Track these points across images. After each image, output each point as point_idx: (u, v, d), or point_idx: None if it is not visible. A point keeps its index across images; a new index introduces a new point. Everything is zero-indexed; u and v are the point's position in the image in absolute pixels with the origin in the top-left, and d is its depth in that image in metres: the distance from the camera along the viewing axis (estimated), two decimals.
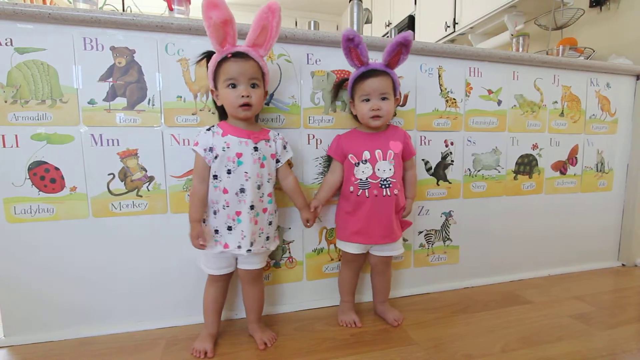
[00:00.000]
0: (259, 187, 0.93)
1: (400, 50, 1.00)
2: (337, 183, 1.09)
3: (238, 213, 0.91)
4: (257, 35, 0.89)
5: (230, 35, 0.87)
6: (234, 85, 0.88)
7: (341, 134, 1.11)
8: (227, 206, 0.91)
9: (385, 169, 1.04)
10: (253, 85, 0.90)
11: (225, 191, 0.90)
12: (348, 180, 1.06)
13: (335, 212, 1.15)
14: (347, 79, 1.13)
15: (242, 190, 0.90)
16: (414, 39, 1.01)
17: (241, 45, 0.89)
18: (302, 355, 0.95)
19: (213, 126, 0.93)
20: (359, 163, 1.04)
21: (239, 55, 0.88)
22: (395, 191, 1.05)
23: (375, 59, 1.16)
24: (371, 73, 1.00)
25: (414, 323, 1.11)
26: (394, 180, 1.05)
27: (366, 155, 1.03)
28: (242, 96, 0.87)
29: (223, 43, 0.87)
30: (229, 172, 0.90)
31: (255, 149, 0.92)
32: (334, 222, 1.17)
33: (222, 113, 0.97)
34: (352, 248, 1.07)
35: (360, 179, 1.03)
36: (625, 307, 1.23)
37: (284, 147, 0.99)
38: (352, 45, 0.97)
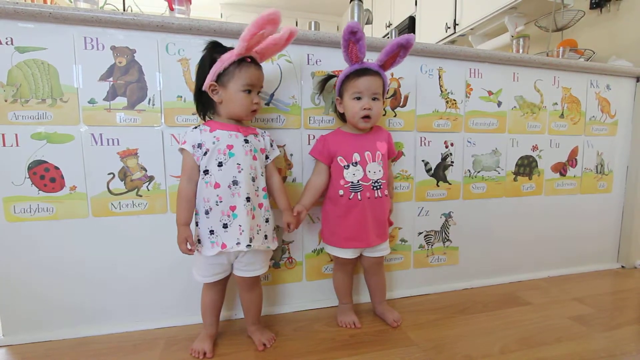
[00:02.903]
0: (253, 180, 0.91)
1: (399, 52, 0.99)
2: (323, 186, 1.06)
3: (233, 208, 0.88)
4: (268, 50, 0.92)
5: (257, 46, 0.90)
6: (249, 91, 0.89)
7: (325, 134, 1.08)
8: (220, 202, 0.88)
9: (376, 171, 1.03)
10: (258, 92, 0.93)
11: (216, 185, 0.88)
12: (336, 183, 1.03)
13: (321, 217, 1.12)
14: (334, 75, 1.11)
15: (235, 183, 0.88)
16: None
17: (254, 52, 0.91)
18: (301, 355, 0.95)
19: (200, 124, 0.92)
20: (348, 165, 1.02)
21: (256, 62, 0.90)
22: (386, 192, 1.05)
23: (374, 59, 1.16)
24: (366, 71, 0.98)
25: (413, 324, 1.11)
26: (384, 181, 1.04)
27: (356, 157, 1.02)
28: (256, 103, 0.91)
29: (249, 49, 0.88)
30: (219, 164, 0.88)
31: (246, 141, 0.92)
32: (321, 227, 1.13)
33: (205, 110, 0.95)
34: (347, 253, 1.06)
35: (351, 182, 1.02)
36: (625, 309, 1.23)
37: (271, 145, 1.00)
38: (353, 39, 0.94)
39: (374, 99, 1.00)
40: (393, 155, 1.12)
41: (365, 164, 1.02)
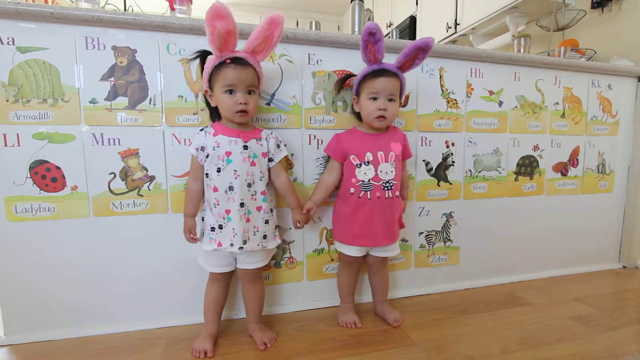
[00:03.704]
0: (249, 185, 0.93)
1: (417, 54, 0.99)
2: (335, 184, 1.08)
3: (227, 211, 0.91)
4: (258, 44, 0.90)
5: (231, 44, 0.87)
6: (231, 92, 0.89)
7: (340, 132, 1.09)
8: (218, 204, 0.91)
9: (388, 171, 1.03)
10: (250, 92, 0.91)
11: (215, 189, 0.91)
12: (347, 181, 1.05)
13: (332, 214, 1.14)
14: (351, 75, 1.12)
15: (231, 188, 0.91)
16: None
17: (240, 51, 0.89)
18: (302, 355, 0.95)
19: (207, 126, 0.95)
20: (360, 164, 1.03)
21: (238, 61, 0.88)
22: (397, 193, 1.05)
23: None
24: (383, 72, 0.99)
25: (414, 324, 1.11)
26: (396, 182, 1.04)
27: (369, 156, 1.02)
28: (240, 103, 0.89)
29: (223, 49, 0.87)
30: (218, 170, 0.91)
31: (245, 147, 0.92)
32: (332, 224, 1.15)
33: (214, 112, 0.98)
34: (354, 251, 1.07)
35: (362, 181, 1.02)
36: (626, 309, 1.23)
37: (278, 146, 0.99)
38: (372, 40, 0.95)
39: (390, 100, 1.00)
40: (409, 156, 1.13)
41: (377, 163, 1.02)
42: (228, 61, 0.87)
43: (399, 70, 1.01)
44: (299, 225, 1.04)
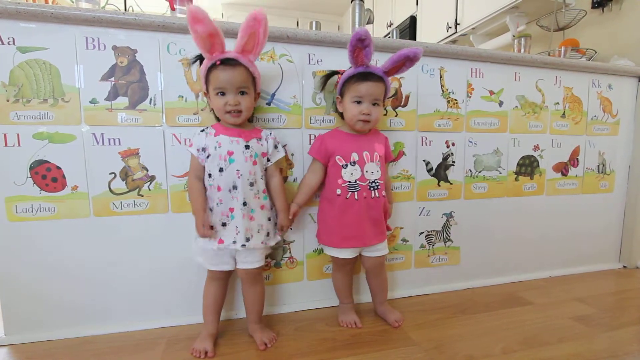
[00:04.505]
0: (251, 185, 0.94)
1: (404, 63, 0.99)
2: (318, 185, 1.07)
3: (231, 209, 0.92)
4: (246, 42, 0.89)
5: (218, 44, 0.87)
6: (223, 93, 0.90)
7: (323, 134, 1.08)
8: (221, 203, 0.92)
9: (373, 171, 1.03)
10: (242, 92, 0.91)
11: (219, 189, 0.92)
12: (333, 182, 1.03)
13: (317, 217, 1.12)
14: (336, 72, 1.10)
15: (235, 187, 0.92)
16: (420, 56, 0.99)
17: (230, 52, 0.89)
18: (302, 355, 0.95)
19: (207, 127, 0.96)
20: (347, 165, 1.02)
21: (228, 62, 0.88)
22: (383, 193, 1.05)
23: (377, 59, 1.16)
24: (369, 76, 0.98)
25: (414, 324, 1.11)
26: (382, 182, 1.05)
27: (354, 156, 1.02)
28: (229, 104, 0.89)
29: (212, 50, 0.87)
30: (221, 170, 0.92)
31: (247, 147, 0.93)
32: (318, 228, 1.12)
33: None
34: (345, 253, 1.06)
35: (349, 182, 1.02)
36: (627, 309, 1.23)
37: (275, 147, 1.00)
38: (360, 46, 0.94)
39: (374, 104, 1.00)
40: (390, 159, 1.13)
41: (363, 163, 1.02)
42: (218, 63, 0.88)
43: (384, 75, 1.00)
44: (282, 230, 1.04)
